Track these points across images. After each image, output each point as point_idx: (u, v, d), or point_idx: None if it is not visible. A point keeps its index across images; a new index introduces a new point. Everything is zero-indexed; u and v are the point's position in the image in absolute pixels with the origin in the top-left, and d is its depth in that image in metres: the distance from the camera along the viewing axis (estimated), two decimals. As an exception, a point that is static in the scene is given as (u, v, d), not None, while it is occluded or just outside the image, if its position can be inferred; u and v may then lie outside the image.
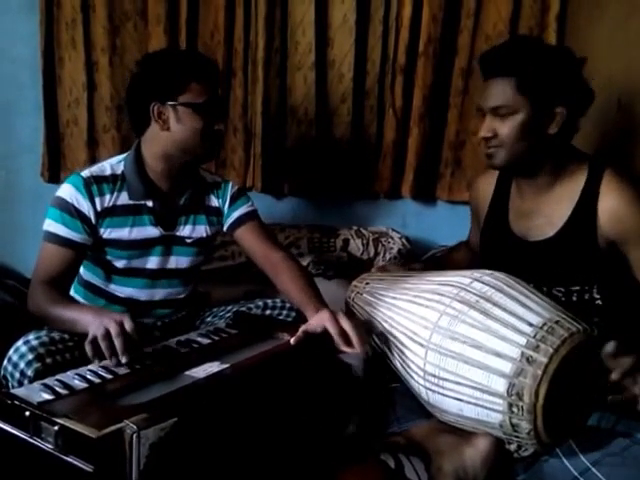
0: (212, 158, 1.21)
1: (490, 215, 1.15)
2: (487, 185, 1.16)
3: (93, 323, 0.88)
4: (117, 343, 0.85)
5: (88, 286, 1.13)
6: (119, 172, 1.08)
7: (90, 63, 1.53)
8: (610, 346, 0.85)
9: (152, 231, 1.09)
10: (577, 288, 1.02)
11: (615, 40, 1.28)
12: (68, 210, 1.03)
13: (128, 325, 0.86)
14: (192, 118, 1.04)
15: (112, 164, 1.09)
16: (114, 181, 1.07)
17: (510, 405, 0.83)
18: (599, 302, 1.02)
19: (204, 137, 1.05)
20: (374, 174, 1.60)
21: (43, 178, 1.59)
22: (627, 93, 1.22)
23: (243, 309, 1.16)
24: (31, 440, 0.69)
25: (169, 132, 1.05)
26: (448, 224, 1.62)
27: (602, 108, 1.08)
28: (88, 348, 0.85)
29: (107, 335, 0.85)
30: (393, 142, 1.56)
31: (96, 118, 1.56)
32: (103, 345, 0.85)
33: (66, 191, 1.04)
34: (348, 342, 0.92)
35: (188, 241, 1.13)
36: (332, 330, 0.92)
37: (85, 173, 1.06)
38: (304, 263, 1.46)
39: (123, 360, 0.85)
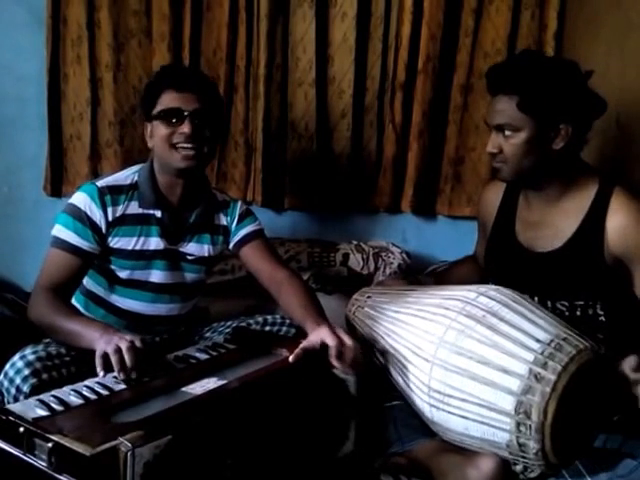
0: (188, 171, 1.06)
1: (497, 225, 1.15)
2: (494, 196, 1.16)
3: (101, 339, 0.88)
4: (128, 358, 0.84)
5: (89, 295, 1.13)
6: (133, 182, 1.09)
7: (94, 79, 1.55)
8: (632, 360, 0.84)
9: (156, 243, 1.10)
10: (581, 303, 1.02)
11: (612, 58, 1.30)
12: (80, 218, 1.04)
13: (138, 344, 0.87)
14: (158, 128, 1.05)
15: (127, 174, 1.11)
16: (127, 191, 1.08)
17: (518, 424, 0.82)
18: (603, 318, 1.02)
19: (170, 145, 1.04)
20: (374, 189, 1.61)
21: (45, 192, 1.60)
22: (625, 111, 1.23)
23: (242, 324, 1.16)
24: (24, 457, 0.69)
25: (153, 149, 1.08)
26: (448, 239, 1.62)
27: (600, 126, 1.08)
28: (99, 362, 0.85)
29: (118, 350, 0.85)
30: (393, 157, 1.57)
31: (99, 133, 1.58)
32: (114, 359, 0.84)
33: (80, 199, 1.05)
34: (341, 357, 0.91)
35: (190, 258, 1.13)
36: (330, 342, 0.91)
37: (100, 183, 1.07)
38: (304, 278, 1.45)
39: (133, 375, 0.84)
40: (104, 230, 1.05)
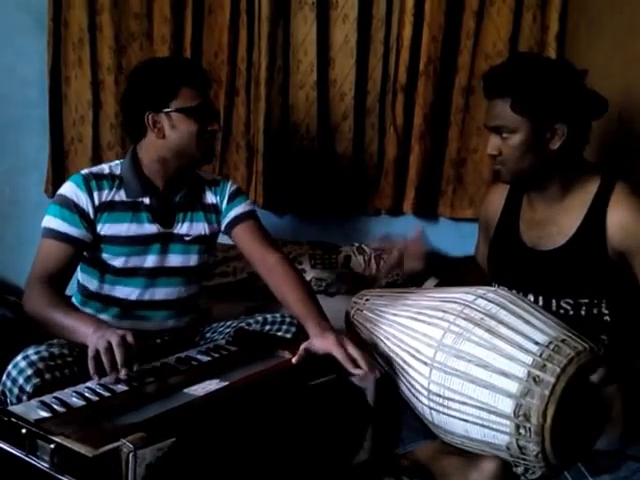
0: (209, 161, 1.15)
1: (500, 225, 1.15)
2: (498, 197, 1.17)
3: (94, 335, 0.88)
4: (118, 353, 0.84)
5: (84, 290, 1.13)
6: (117, 173, 1.10)
7: (96, 82, 1.56)
8: (600, 372, 0.84)
9: (150, 228, 1.10)
10: (586, 301, 1.01)
11: (614, 59, 1.30)
12: (67, 205, 1.05)
13: (130, 339, 0.86)
14: (186, 123, 1.05)
15: (110, 166, 1.12)
16: (112, 179, 1.09)
17: (517, 426, 0.82)
18: (607, 318, 1.01)
19: (200, 140, 1.07)
20: (376, 191, 1.61)
21: (47, 194, 1.60)
22: (627, 111, 1.23)
23: (242, 324, 1.15)
24: (27, 458, 0.68)
25: (165, 139, 1.07)
26: (450, 241, 1.61)
27: (602, 125, 1.09)
28: (91, 364, 0.85)
29: (109, 348, 0.85)
30: (394, 159, 1.57)
31: (101, 135, 1.58)
32: (105, 358, 0.84)
33: (66, 188, 1.07)
34: (356, 365, 0.90)
35: (187, 239, 1.13)
36: (339, 356, 0.91)
37: (85, 171, 1.10)
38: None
39: (122, 373, 0.84)
40: (92, 215, 1.06)
